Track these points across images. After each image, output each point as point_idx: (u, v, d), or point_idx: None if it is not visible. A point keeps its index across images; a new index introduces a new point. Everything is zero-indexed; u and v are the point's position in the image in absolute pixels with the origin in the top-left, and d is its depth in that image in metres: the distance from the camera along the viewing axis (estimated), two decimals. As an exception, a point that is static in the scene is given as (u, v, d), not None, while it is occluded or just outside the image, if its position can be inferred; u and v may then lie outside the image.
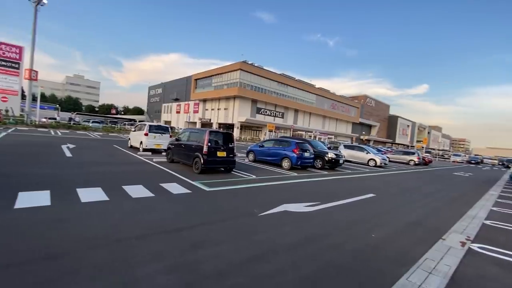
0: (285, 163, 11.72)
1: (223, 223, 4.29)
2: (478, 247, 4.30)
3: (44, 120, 26.91)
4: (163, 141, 12.61)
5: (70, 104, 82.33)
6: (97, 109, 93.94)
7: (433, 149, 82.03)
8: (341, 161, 13.59)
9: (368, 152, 18.51)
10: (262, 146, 13.13)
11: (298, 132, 53.42)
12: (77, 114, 56.90)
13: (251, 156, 13.51)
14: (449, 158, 48.60)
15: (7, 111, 25.43)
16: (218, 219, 4.46)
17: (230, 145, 9.06)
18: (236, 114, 47.47)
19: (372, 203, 6.98)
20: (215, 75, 51.19)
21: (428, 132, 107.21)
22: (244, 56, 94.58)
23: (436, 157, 50.25)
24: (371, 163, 17.89)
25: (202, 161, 8.25)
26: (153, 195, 5.51)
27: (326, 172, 12.12)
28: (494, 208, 7.63)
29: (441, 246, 4.19)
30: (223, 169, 9.34)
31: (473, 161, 42.99)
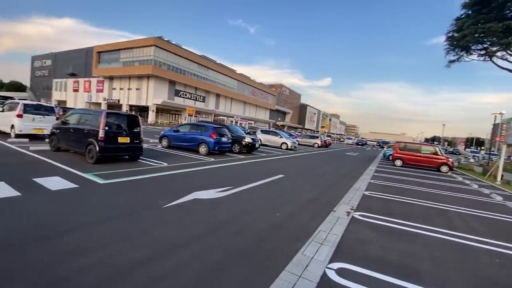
0: (202, 149, 11.31)
1: (116, 221, 3.66)
2: (359, 215, 5.14)
3: None
4: (45, 125, 10.06)
5: None
6: None
7: (333, 133, 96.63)
8: (257, 145, 14.16)
9: (281, 137, 20.02)
10: (178, 131, 12.25)
11: (220, 117, 53.11)
12: None
13: (164, 142, 12.45)
14: (344, 141, 58.36)
15: None
16: (111, 217, 3.78)
17: (135, 130, 7.96)
18: (151, 95, 43.02)
19: (280, 183, 7.48)
20: (124, 49, 44.49)
21: (330, 119, 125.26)
22: (159, 32, 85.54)
23: (334, 140, 59.36)
24: (284, 146, 19.46)
25: (97, 148, 6.94)
26: (18, 194, 4.24)
27: (243, 156, 12.39)
28: (372, 181, 9.44)
29: (332, 217, 4.80)
30: (127, 157, 8.20)
31: (360, 143, 53.09)
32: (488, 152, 29.99)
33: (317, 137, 28.06)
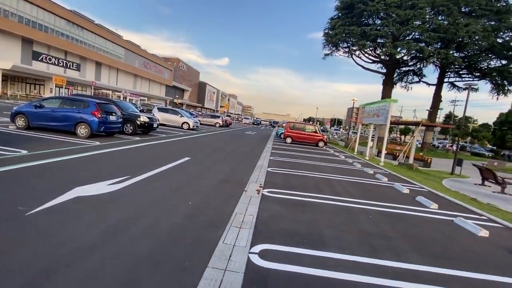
0: (82, 130, 9.02)
1: None
2: (267, 192, 5.43)
3: None
4: None
5: None
6: None
7: (231, 113, 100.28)
8: (155, 125, 12.68)
9: (182, 116, 18.80)
10: (41, 106, 9.18)
11: (103, 91, 44.35)
12: None
13: (20, 121, 9.14)
14: (241, 121, 61.61)
15: None
16: None
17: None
18: (-12, 55, 30.56)
19: (187, 167, 6.97)
20: None
21: (228, 99, 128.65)
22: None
23: (233, 120, 61.83)
24: (185, 126, 18.43)
25: None
26: None
27: (138, 138, 10.79)
28: (271, 158, 10.30)
29: (244, 198, 4.84)
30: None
31: (256, 123, 57.48)
32: (347, 130, 38.72)
33: (219, 117, 28.19)
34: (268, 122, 66.17)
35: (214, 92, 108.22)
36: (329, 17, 30.88)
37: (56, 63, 38.34)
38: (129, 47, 53.35)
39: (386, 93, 29.89)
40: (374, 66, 31.79)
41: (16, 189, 3.92)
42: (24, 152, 6.12)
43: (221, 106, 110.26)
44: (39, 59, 35.79)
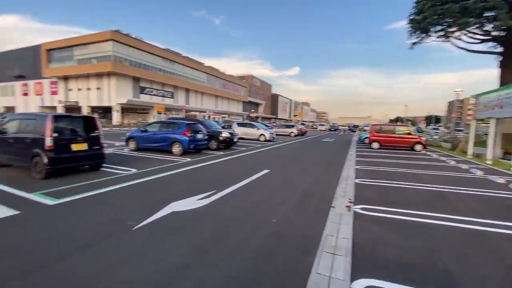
0: (176, 148, 10.27)
1: (66, 263, 2.73)
2: (360, 209, 4.66)
3: None
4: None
5: None
6: None
7: (305, 121, 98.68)
8: (235, 140, 13.37)
9: (258, 128, 19.38)
10: (146, 131, 11.01)
11: (192, 112, 51.02)
12: None
13: (132, 145, 11.16)
14: (317, 128, 59.52)
15: None
16: (59, 256, 2.83)
17: (93, 134, 6.75)
18: (113, 94, 39.76)
19: (267, 180, 6.83)
20: (78, 45, 40.34)
21: (301, 108, 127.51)
22: (117, 26, 79.67)
23: (308, 128, 60.43)
24: (262, 138, 18.86)
25: (46, 160, 5.70)
26: None
27: (221, 153, 11.54)
28: (357, 167, 9.17)
29: (334, 215, 4.25)
30: (88, 166, 6.98)
31: (332, 129, 54.33)
32: (450, 128, 31.99)
33: (293, 126, 27.91)
34: (347, 127, 61.69)
35: (286, 103, 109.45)
36: (414, 1, 26.83)
37: (156, 94, 46.55)
38: (210, 71, 60.07)
39: (507, 77, 23.31)
40: (483, 47, 25.46)
41: (127, 204, 4.52)
42: (133, 170, 7.26)
43: (294, 116, 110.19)
44: (144, 92, 44.24)
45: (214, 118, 50.74)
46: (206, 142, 11.43)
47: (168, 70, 47.86)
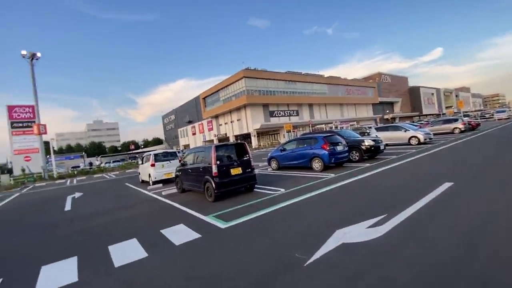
0: (316, 164, 9.70)
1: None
2: None
3: (61, 171, 26.90)
4: (172, 169, 11.12)
5: (95, 149, 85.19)
6: (119, 148, 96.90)
7: (467, 111, 74.96)
8: (382, 147, 11.30)
9: (406, 130, 15.89)
10: (284, 150, 11.22)
11: (317, 126, 50.68)
12: (101, 157, 58.46)
13: (274, 164, 11.64)
14: (492, 117, 43.34)
15: (23, 170, 25.48)
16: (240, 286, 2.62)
17: (244, 158, 7.28)
18: (250, 122, 45.99)
19: (458, 198, 4.80)
20: (221, 89, 50.38)
21: (456, 95, 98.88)
22: (246, 64, 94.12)
23: (477, 119, 45.17)
24: (413, 141, 15.25)
25: (214, 185, 6.52)
26: (146, 255, 3.82)
27: (368, 164, 9.90)
28: None
29: None
30: (243, 189, 7.55)
31: (522, 114, 37.64)
32: None
33: (456, 120, 21.17)
34: None
35: (432, 94, 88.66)
36: None
37: (283, 114, 49.75)
38: (330, 81, 58.44)
39: None
40: None
41: (288, 231, 4.14)
42: (282, 190, 7.17)
43: (447, 107, 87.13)
44: (273, 115, 48.30)
45: (342, 127, 47.99)
46: (347, 154, 10.21)
47: (290, 91, 50.51)
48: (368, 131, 26.66)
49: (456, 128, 20.35)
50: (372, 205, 4.95)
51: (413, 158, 10.38)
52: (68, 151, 78.96)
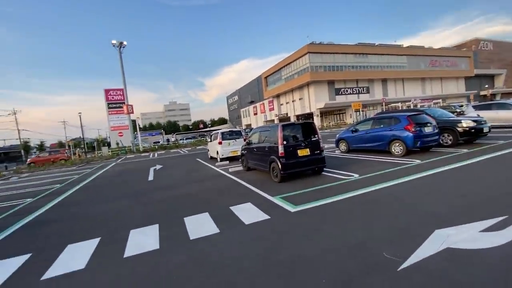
0: (396, 148, 8.43)
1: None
2: None
3: (146, 145, 31.43)
4: (238, 147, 11.41)
5: (171, 127, 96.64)
6: (190, 126, 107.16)
7: None
8: (485, 130, 9.07)
9: (520, 108, 12.41)
10: (356, 131, 10.12)
11: (391, 104, 44.97)
12: (176, 134, 65.92)
13: (343, 146, 10.71)
14: None
15: (117, 144, 31.42)
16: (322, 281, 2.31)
17: (313, 139, 6.75)
18: (313, 101, 43.95)
19: None
20: (283, 67, 49.07)
21: None
22: (311, 38, 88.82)
23: None
24: (533, 122, 11.83)
25: (280, 166, 6.28)
26: (217, 231, 3.88)
27: (466, 150, 8.09)
28: None
29: None
30: (310, 171, 7.11)
31: None
32: None
33: None
34: None
35: (558, 61, 67.47)
36: None
37: (351, 92, 45.67)
38: (411, 52, 50.31)
39: None
40: None
41: (371, 224, 3.59)
42: (355, 175, 6.44)
43: None
44: (340, 93, 44.83)
45: (422, 106, 41.39)
46: (437, 137, 8.53)
47: (361, 65, 45.63)
48: (458, 109, 22.15)
49: None
50: (482, 202, 3.91)
51: (534, 144, 7.99)
52: (150, 128, 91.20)
